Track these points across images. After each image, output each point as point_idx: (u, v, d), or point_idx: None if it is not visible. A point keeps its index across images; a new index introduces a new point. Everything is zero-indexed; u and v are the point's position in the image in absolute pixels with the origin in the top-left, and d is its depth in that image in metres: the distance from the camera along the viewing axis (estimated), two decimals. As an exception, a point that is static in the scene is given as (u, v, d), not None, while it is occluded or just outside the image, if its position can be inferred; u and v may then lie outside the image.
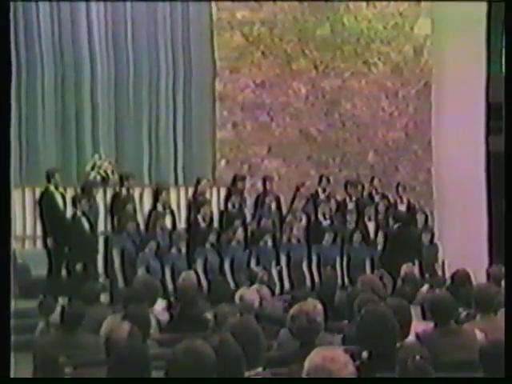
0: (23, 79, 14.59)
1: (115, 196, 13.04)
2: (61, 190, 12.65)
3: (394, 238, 13.32)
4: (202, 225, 12.72)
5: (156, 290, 7.79)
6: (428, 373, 4.29)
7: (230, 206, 13.14)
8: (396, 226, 13.52)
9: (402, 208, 14.19)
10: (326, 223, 13.43)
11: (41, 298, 9.26)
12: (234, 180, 13.52)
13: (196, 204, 13.02)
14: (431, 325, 6.21)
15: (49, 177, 12.51)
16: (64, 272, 12.12)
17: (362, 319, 4.90)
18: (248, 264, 12.48)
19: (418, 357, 4.31)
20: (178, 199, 14.43)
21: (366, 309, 5.04)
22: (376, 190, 14.45)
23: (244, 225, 12.88)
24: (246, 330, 4.61)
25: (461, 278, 8.55)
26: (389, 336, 4.74)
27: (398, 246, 13.01)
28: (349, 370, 3.73)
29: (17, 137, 14.11)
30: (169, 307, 7.94)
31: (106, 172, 14.27)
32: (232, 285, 11.65)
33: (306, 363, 3.77)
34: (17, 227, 13.26)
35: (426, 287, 9.07)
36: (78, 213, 12.19)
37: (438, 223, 15.03)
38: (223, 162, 15.54)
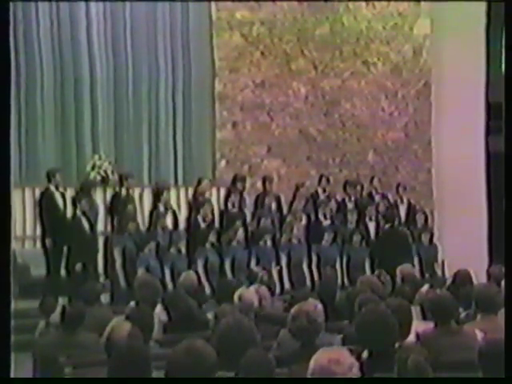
0: (23, 79, 14.58)
1: (115, 196, 13.05)
2: (61, 190, 12.66)
3: (385, 238, 13.31)
4: (202, 225, 12.73)
5: (156, 291, 7.78)
6: (426, 373, 4.28)
7: (230, 205, 13.15)
8: (387, 226, 13.52)
9: (403, 208, 14.21)
10: (326, 223, 13.44)
11: (41, 298, 9.23)
12: (234, 180, 13.52)
13: (196, 204, 13.02)
14: (431, 325, 6.21)
15: (49, 177, 12.52)
16: (64, 272, 12.12)
17: (361, 318, 4.90)
18: (248, 264, 12.48)
19: (415, 356, 4.31)
20: (178, 199, 14.42)
21: (366, 308, 5.04)
22: (376, 190, 14.47)
23: (244, 225, 12.89)
24: (240, 329, 4.60)
25: (462, 278, 8.55)
26: (388, 335, 4.74)
27: (391, 246, 12.99)
28: (353, 372, 3.72)
29: (17, 137, 14.09)
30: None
31: (105, 172, 14.26)
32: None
33: (311, 363, 3.76)
34: (17, 227, 13.26)
35: (426, 287, 9.04)
36: (78, 213, 12.20)
37: (438, 223, 15.03)
38: (223, 162, 15.53)
